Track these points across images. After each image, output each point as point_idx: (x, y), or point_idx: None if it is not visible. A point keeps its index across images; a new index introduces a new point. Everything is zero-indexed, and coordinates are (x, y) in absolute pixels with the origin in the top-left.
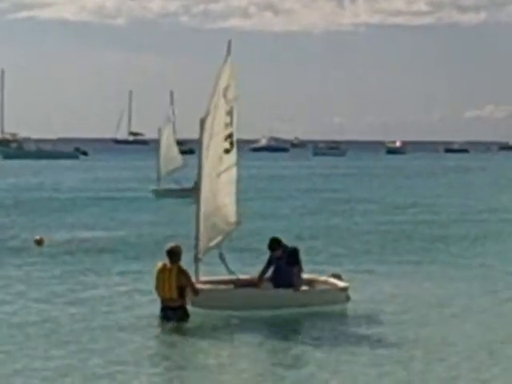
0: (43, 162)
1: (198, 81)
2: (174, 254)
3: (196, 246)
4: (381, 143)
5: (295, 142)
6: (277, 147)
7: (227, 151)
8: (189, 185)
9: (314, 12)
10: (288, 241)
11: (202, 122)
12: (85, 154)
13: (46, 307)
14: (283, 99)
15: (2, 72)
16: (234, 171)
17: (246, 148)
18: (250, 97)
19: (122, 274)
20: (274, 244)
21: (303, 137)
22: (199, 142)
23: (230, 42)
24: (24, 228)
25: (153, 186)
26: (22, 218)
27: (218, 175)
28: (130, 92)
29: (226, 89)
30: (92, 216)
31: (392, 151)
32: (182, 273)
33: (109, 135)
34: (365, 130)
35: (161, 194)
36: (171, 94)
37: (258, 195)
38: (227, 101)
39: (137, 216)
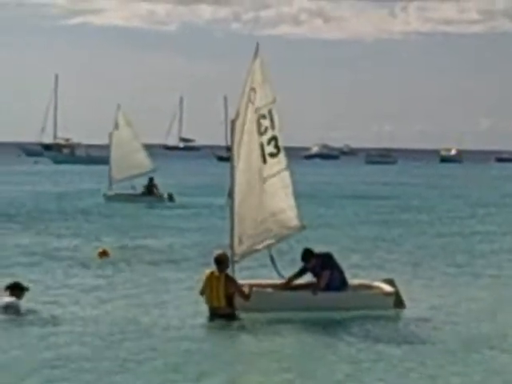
0: (93, 168)
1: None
2: (221, 263)
3: (231, 249)
4: (433, 151)
5: (345, 149)
6: (328, 155)
7: (273, 155)
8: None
9: (365, 20)
10: (340, 247)
11: (233, 124)
12: None
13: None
14: (334, 106)
15: (56, 77)
16: (285, 175)
17: (298, 155)
18: (301, 104)
19: (178, 281)
20: (307, 255)
21: (353, 144)
22: (231, 144)
23: (257, 46)
24: (80, 236)
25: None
26: (85, 225)
27: (266, 179)
28: (181, 98)
29: (252, 91)
30: (144, 224)
31: (446, 159)
32: (230, 281)
33: (159, 141)
34: (415, 138)
35: (111, 198)
36: (225, 99)
37: (308, 202)
38: (262, 104)
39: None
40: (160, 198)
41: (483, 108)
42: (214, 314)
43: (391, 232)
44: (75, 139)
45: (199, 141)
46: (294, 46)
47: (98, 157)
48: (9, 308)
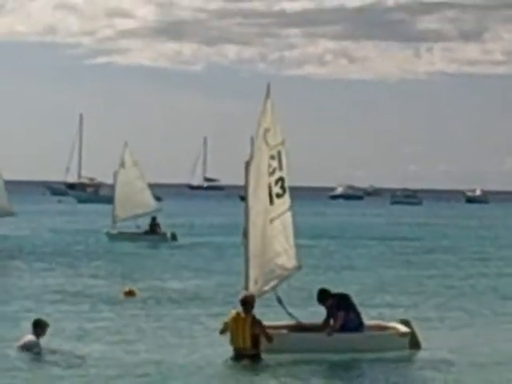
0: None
1: None
2: (247, 303)
3: (246, 290)
4: (458, 192)
5: (370, 190)
6: (353, 195)
7: (279, 196)
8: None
9: (390, 60)
10: (364, 288)
11: (247, 166)
12: (159, 199)
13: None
14: (359, 146)
15: (81, 117)
16: (288, 215)
17: (323, 195)
18: (326, 144)
19: (202, 321)
20: (322, 295)
21: (378, 184)
22: (245, 186)
23: (268, 86)
24: (111, 277)
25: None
26: (111, 266)
27: (272, 221)
28: (205, 138)
29: (267, 132)
30: (170, 263)
31: (472, 200)
32: (256, 322)
33: (184, 181)
34: (440, 178)
35: (114, 237)
36: (252, 139)
37: (333, 243)
38: (271, 145)
39: (214, 264)
40: (163, 237)
41: (508, 148)
42: (239, 355)
43: (417, 273)
44: (99, 178)
45: (223, 180)
46: (318, 85)
47: None
48: (30, 346)
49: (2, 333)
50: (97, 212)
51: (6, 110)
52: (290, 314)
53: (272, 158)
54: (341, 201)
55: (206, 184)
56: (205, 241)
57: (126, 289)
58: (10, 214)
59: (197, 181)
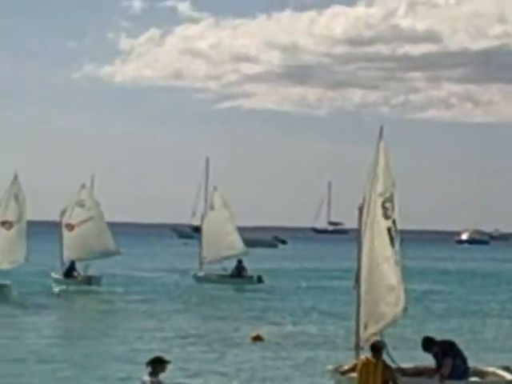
0: None
1: (397, 171)
2: (377, 349)
3: (357, 335)
4: None
5: (495, 234)
6: (479, 240)
7: (391, 239)
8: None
9: None
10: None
11: (360, 210)
12: (284, 242)
13: None
14: (487, 189)
15: (207, 160)
16: (397, 259)
17: (450, 239)
18: (451, 188)
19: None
20: (426, 344)
21: (504, 229)
22: (358, 230)
23: (381, 129)
24: (243, 319)
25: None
26: (237, 308)
27: (382, 264)
28: (330, 182)
29: (379, 175)
30: (297, 307)
31: None
32: (388, 368)
33: (308, 224)
34: None
35: (201, 278)
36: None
37: (460, 288)
38: (384, 188)
39: (338, 308)
40: (249, 279)
41: None
42: None
43: None
44: None
45: (348, 224)
46: (443, 129)
47: (246, 239)
48: None
49: (129, 373)
50: None
51: (132, 153)
52: (392, 360)
53: (385, 201)
54: (466, 245)
55: (330, 227)
56: (311, 285)
57: (254, 334)
58: (116, 253)
59: (321, 224)
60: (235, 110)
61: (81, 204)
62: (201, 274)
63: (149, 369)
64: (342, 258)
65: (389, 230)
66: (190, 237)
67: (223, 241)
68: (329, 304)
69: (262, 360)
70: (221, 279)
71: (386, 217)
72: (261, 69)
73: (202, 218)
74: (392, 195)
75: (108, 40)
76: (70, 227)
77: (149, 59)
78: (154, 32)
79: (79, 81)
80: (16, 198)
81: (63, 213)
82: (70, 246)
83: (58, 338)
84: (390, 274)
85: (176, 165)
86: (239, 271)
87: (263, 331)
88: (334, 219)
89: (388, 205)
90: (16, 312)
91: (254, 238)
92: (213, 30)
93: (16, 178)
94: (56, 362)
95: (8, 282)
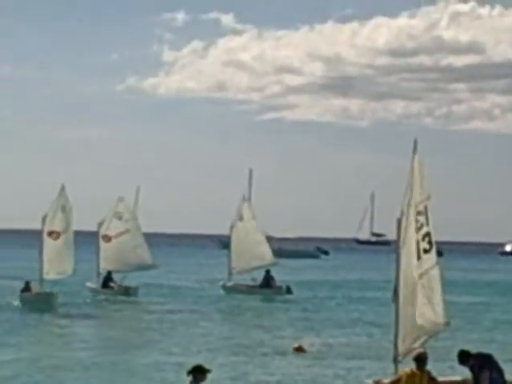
0: (284, 261)
1: (439, 182)
2: (422, 361)
3: (395, 347)
4: None
5: None
6: None
7: (426, 251)
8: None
9: None
10: None
11: (399, 223)
12: (326, 253)
13: None
14: None
15: (250, 172)
16: (436, 271)
17: (494, 251)
18: (494, 199)
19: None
20: (462, 357)
21: None
22: (397, 242)
23: (415, 142)
24: (281, 329)
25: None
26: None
27: (420, 276)
28: (373, 193)
29: (414, 187)
30: (339, 318)
31: None
32: (433, 379)
33: (350, 235)
34: None
35: (229, 289)
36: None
37: (504, 301)
38: (418, 200)
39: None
40: (278, 290)
41: None
42: None
43: None
44: (269, 232)
45: (390, 235)
46: (486, 140)
47: (289, 250)
48: None
49: (172, 382)
50: None
51: (175, 165)
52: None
53: (419, 213)
54: (510, 257)
55: (373, 238)
56: (353, 295)
57: (296, 344)
58: (152, 266)
59: (364, 235)
60: (278, 121)
61: (118, 216)
62: (230, 284)
63: (190, 378)
64: (385, 268)
65: (417, 242)
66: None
67: (253, 251)
68: (371, 315)
69: (305, 371)
70: (249, 290)
71: (417, 229)
72: (303, 80)
73: (231, 228)
74: (426, 208)
75: (151, 52)
76: (107, 239)
77: (192, 71)
78: (197, 44)
79: (122, 93)
80: (63, 208)
81: (101, 224)
82: (107, 257)
83: (101, 348)
84: (425, 285)
85: (219, 176)
86: (267, 282)
87: (305, 342)
88: (376, 230)
89: (420, 218)
90: (61, 321)
91: (296, 249)
92: (256, 42)
93: (63, 188)
94: (101, 371)
95: (53, 291)
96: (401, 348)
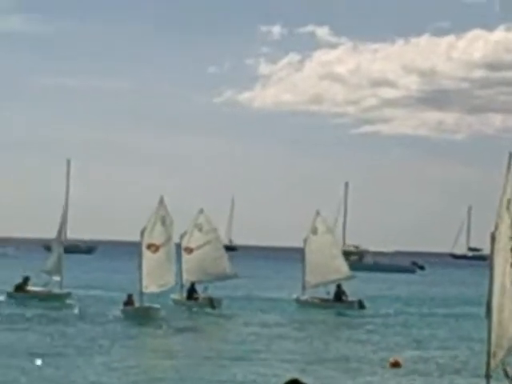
0: (380, 275)
1: None
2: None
3: (487, 364)
4: None
5: None
6: None
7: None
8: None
9: None
10: None
11: (493, 237)
12: (422, 268)
13: None
14: None
15: (346, 185)
16: None
17: None
18: None
19: None
20: None
21: None
22: (490, 257)
23: (510, 156)
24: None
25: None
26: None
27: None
28: (470, 207)
29: (509, 203)
30: (436, 334)
31: None
32: None
33: (446, 250)
34: None
35: (302, 303)
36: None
37: None
38: (509, 213)
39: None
40: (350, 304)
41: None
42: None
43: None
44: (364, 246)
45: (487, 250)
46: None
47: (385, 264)
48: None
49: None
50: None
51: (271, 177)
52: None
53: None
54: None
55: (469, 253)
56: (448, 311)
57: (392, 359)
58: (233, 276)
59: (460, 250)
60: (373, 134)
61: (199, 228)
62: (303, 297)
63: None
64: (480, 284)
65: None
66: None
67: (329, 265)
68: (467, 330)
69: None
70: (323, 303)
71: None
72: (399, 93)
73: (304, 242)
74: None
75: (247, 65)
76: (189, 250)
77: (288, 84)
78: (293, 57)
79: (220, 106)
80: (163, 220)
81: (183, 236)
82: (189, 268)
83: (201, 358)
84: None
85: (314, 189)
86: (339, 296)
87: (401, 357)
88: (473, 245)
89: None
90: (157, 332)
91: (392, 263)
92: (351, 55)
93: (162, 200)
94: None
95: (155, 306)
96: (493, 363)
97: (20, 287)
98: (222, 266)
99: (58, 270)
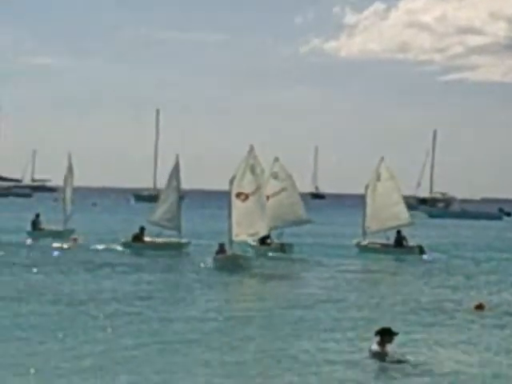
0: (467, 222)
1: None
2: None
3: None
4: None
5: None
6: None
7: None
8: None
9: None
10: None
11: None
12: (509, 214)
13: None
14: None
15: (435, 133)
16: None
17: None
18: None
19: None
20: None
21: None
22: None
23: None
24: (458, 290)
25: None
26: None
27: None
28: None
29: None
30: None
31: None
32: None
33: None
34: None
35: (363, 248)
36: None
37: None
38: None
39: None
40: (411, 249)
41: None
42: None
43: None
44: (451, 193)
45: None
46: None
47: (471, 212)
48: (376, 354)
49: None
50: (444, 226)
51: (356, 126)
52: None
53: None
54: None
55: None
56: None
57: (476, 302)
58: (307, 221)
59: None
60: (460, 82)
61: (275, 176)
62: (364, 242)
63: (377, 338)
64: None
65: None
66: (413, 208)
67: (389, 211)
68: None
69: (486, 330)
70: (383, 249)
71: None
72: (486, 40)
73: (366, 188)
74: None
75: (333, 15)
76: (266, 198)
77: (374, 33)
78: (378, 6)
79: (306, 55)
80: (252, 169)
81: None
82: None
83: (289, 303)
84: None
85: (402, 137)
86: (400, 241)
87: (484, 300)
88: None
89: None
90: (245, 280)
91: (478, 211)
92: (437, 3)
93: (252, 149)
94: (271, 329)
95: (243, 254)
96: None
97: (137, 237)
98: (298, 211)
99: (173, 218)
